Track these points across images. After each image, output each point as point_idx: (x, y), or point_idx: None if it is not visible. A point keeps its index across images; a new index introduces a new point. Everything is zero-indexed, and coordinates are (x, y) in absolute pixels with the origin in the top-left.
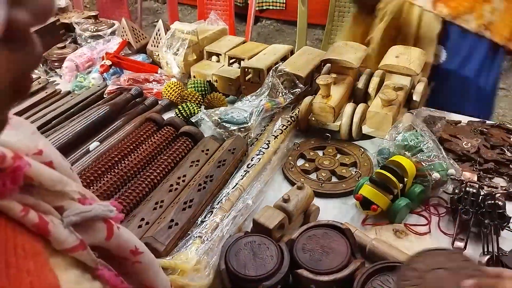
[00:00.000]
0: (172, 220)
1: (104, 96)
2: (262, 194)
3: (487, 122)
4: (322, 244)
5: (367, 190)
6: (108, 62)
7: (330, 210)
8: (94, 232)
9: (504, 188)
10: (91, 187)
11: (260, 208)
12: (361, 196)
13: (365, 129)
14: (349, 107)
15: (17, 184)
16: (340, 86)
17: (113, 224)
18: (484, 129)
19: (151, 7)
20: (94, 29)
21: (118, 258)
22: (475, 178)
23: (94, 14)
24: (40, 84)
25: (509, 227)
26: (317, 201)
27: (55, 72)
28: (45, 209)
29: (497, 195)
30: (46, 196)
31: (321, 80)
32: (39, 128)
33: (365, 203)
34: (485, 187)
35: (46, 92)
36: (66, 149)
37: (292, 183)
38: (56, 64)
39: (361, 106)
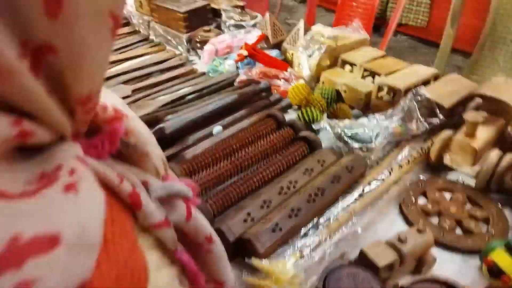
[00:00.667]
0: (276, 224)
1: (235, 84)
2: (373, 224)
3: None
4: None
5: (501, 256)
6: (245, 52)
7: (448, 265)
8: (176, 211)
9: None
10: (207, 170)
11: (367, 238)
12: (491, 262)
13: (508, 184)
14: (494, 153)
15: (115, 144)
16: (489, 127)
17: (191, 206)
18: None
19: (287, 4)
20: (239, 19)
21: (193, 245)
22: None
23: (241, 4)
24: (181, 60)
25: None
26: (434, 251)
27: (196, 52)
28: (133, 180)
29: None
30: (133, 167)
31: (469, 116)
32: (173, 101)
33: (494, 271)
34: None
35: (185, 69)
36: (193, 127)
37: (407, 221)
38: (198, 45)
39: (509, 156)
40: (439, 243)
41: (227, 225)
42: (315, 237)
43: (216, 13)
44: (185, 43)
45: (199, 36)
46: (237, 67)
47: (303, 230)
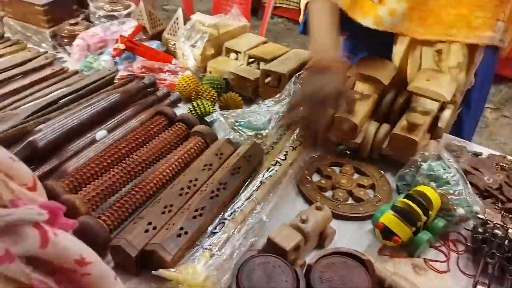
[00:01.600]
0: (181, 228)
1: (115, 81)
2: (276, 209)
3: (508, 157)
4: (341, 274)
5: (389, 219)
6: (122, 46)
7: (346, 234)
8: (22, 240)
9: None
10: (96, 180)
11: (273, 224)
12: (382, 225)
13: (386, 151)
14: (372, 125)
15: None
16: (365, 102)
17: (47, 230)
18: (505, 165)
19: None
20: (109, 9)
21: (62, 270)
22: (499, 218)
23: None
24: (47, 59)
25: None
26: (332, 222)
27: (64, 48)
28: None
29: None
30: None
31: (347, 94)
32: (43, 107)
33: (385, 233)
34: (510, 230)
35: (53, 69)
36: (71, 135)
37: (307, 200)
38: (66, 40)
39: (385, 126)
40: (335, 215)
41: (126, 240)
42: (223, 234)
43: (83, 4)
44: (49, 39)
45: (65, 31)
46: (115, 63)
47: (210, 229)
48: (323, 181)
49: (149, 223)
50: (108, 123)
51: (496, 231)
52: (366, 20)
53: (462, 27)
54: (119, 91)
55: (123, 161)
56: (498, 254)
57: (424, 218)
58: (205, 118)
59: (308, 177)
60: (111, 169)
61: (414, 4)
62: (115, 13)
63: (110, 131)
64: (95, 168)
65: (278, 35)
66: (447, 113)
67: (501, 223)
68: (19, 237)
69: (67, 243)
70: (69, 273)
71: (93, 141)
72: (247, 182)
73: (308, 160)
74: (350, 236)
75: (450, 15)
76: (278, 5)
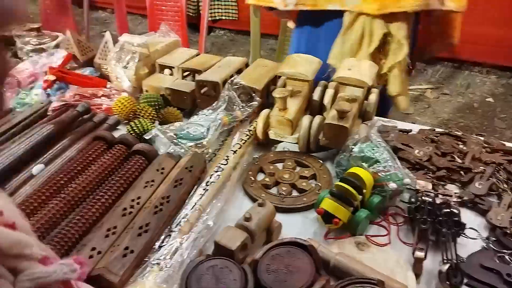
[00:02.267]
0: (127, 248)
1: (48, 113)
2: (223, 213)
3: (437, 130)
4: (286, 263)
5: (328, 204)
6: (52, 77)
7: (292, 225)
8: None
9: (457, 195)
10: (35, 215)
11: (221, 228)
12: (322, 210)
13: (322, 141)
14: (306, 119)
15: None
16: (296, 98)
17: (72, 285)
18: (434, 137)
19: (99, 17)
20: (37, 42)
21: None
22: (430, 186)
23: (36, 26)
24: None
25: (464, 233)
26: (279, 217)
27: None
28: None
29: (452, 203)
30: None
31: (277, 93)
32: None
33: (326, 217)
34: (440, 195)
35: None
36: (7, 173)
37: (253, 199)
38: None
39: (317, 118)
40: (281, 209)
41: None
42: (170, 246)
43: (9, 41)
44: None
45: None
46: (48, 95)
47: (157, 244)
48: (266, 179)
49: (93, 249)
50: (45, 156)
51: (426, 198)
52: (333, 5)
53: None
54: (53, 122)
55: (62, 192)
56: (429, 219)
57: (359, 197)
58: (144, 136)
59: (252, 177)
60: (50, 202)
61: None
62: (43, 46)
63: (47, 164)
64: (34, 204)
65: (223, 47)
66: (373, 97)
67: (430, 190)
68: None
69: None
70: None
71: (31, 177)
72: (192, 192)
73: (251, 161)
74: (298, 227)
75: None
76: (218, 18)
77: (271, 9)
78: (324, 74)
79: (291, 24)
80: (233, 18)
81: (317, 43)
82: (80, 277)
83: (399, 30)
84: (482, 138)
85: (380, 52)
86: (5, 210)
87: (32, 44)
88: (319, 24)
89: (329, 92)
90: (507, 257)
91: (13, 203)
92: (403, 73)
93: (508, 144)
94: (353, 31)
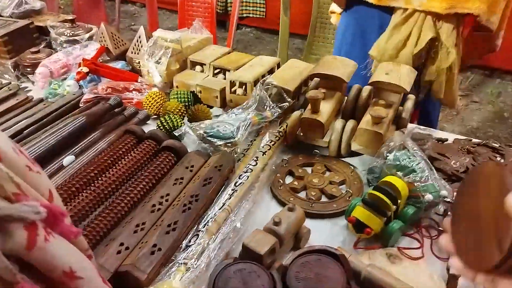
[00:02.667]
0: (155, 245)
1: (80, 105)
2: (250, 215)
3: (473, 140)
4: (316, 271)
5: (360, 212)
6: (85, 69)
7: (321, 232)
8: (8, 237)
9: None
10: (64, 207)
11: (248, 230)
12: (354, 219)
13: (355, 146)
14: (338, 123)
15: None
16: (329, 101)
17: (37, 234)
18: (471, 148)
19: (128, 10)
20: (71, 34)
21: (52, 281)
22: None
23: (71, 18)
24: (10, 90)
25: None
26: (307, 222)
27: (27, 78)
28: None
29: None
30: None
31: (311, 95)
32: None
33: (358, 226)
34: None
35: (17, 99)
36: (38, 163)
37: (280, 202)
38: (28, 69)
39: (350, 123)
40: (310, 215)
41: (98, 264)
42: (197, 246)
43: (43, 31)
44: (12, 70)
45: (27, 60)
46: (80, 86)
47: (184, 243)
48: (295, 182)
49: (121, 244)
50: (76, 147)
51: None
52: (397, 2)
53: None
54: (85, 114)
55: (92, 184)
56: None
57: (393, 207)
58: (174, 132)
59: (280, 180)
60: (80, 194)
61: None
62: (76, 38)
63: (78, 155)
64: (64, 195)
65: (248, 44)
66: (409, 104)
67: None
68: (5, 233)
69: (58, 252)
70: (57, 285)
71: (61, 168)
72: (220, 192)
73: (279, 163)
74: (326, 234)
75: None
76: (245, 15)
77: None
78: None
79: (334, 20)
80: (261, 16)
81: (365, 36)
82: (66, 234)
83: (449, 37)
84: None
85: (421, 56)
86: None
87: (66, 35)
88: (368, 18)
89: (363, 96)
90: None
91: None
92: (449, 80)
93: None
94: (403, 29)
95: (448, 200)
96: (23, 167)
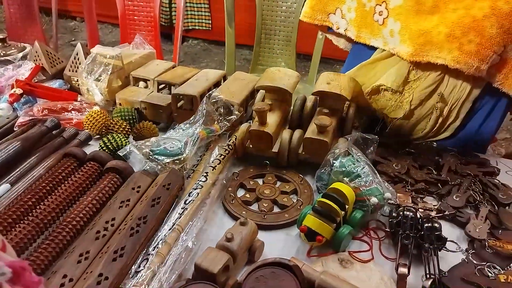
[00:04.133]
0: (101, 274)
1: (15, 129)
2: (202, 233)
3: (413, 142)
4: (271, 285)
5: (311, 221)
6: (19, 91)
7: (275, 243)
8: None
9: (437, 207)
10: None
11: (202, 248)
12: (305, 228)
13: (303, 155)
14: (285, 133)
15: None
16: (276, 112)
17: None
18: (411, 149)
19: (67, 25)
20: (2, 53)
21: None
22: (410, 200)
23: (1, 37)
24: None
25: (446, 247)
26: (260, 234)
27: None
28: None
29: (433, 217)
30: None
31: (257, 107)
32: None
33: (310, 234)
34: (420, 209)
35: None
36: None
37: (233, 217)
38: None
39: (297, 132)
40: (263, 227)
41: None
42: (147, 270)
43: None
44: None
45: None
46: (15, 109)
47: (133, 268)
48: (247, 195)
49: (64, 276)
50: (11, 175)
51: (407, 212)
52: (376, 41)
53: (453, 49)
54: (20, 139)
55: (30, 214)
56: (411, 235)
57: (342, 213)
58: (118, 152)
59: (232, 194)
60: (17, 225)
61: (407, 24)
62: (9, 57)
63: (13, 183)
64: None
65: (196, 57)
66: (351, 111)
67: (411, 205)
68: None
69: None
70: None
71: None
72: (170, 211)
73: (230, 176)
74: (280, 244)
75: (441, 35)
76: (191, 27)
77: (329, 29)
78: None
79: (342, 45)
80: (206, 28)
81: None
82: (29, 286)
83: (413, 94)
84: (456, 150)
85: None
86: None
87: None
88: (367, 50)
89: (308, 105)
90: (486, 269)
91: None
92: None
93: (482, 156)
94: (378, 67)
95: (392, 201)
96: None
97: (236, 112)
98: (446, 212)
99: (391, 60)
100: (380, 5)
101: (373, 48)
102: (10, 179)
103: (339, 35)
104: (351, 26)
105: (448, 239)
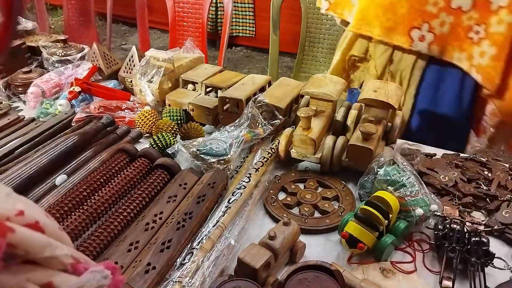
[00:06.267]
0: (149, 264)
1: (72, 124)
2: (244, 232)
3: (461, 155)
4: None
5: (353, 228)
6: (77, 89)
7: (315, 247)
8: None
9: (484, 223)
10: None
11: (243, 246)
12: (347, 234)
13: (346, 162)
14: (329, 139)
15: None
16: (320, 118)
17: None
18: (459, 162)
19: (119, 30)
20: (63, 53)
21: None
22: (457, 213)
23: (63, 38)
24: (1, 109)
25: (493, 263)
26: (301, 238)
27: (19, 97)
28: None
29: (481, 232)
30: (31, 271)
31: (302, 112)
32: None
33: (351, 241)
34: (468, 223)
35: (8, 119)
36: (30, 183)
37: (274, 219)
38: (20, 89)
39: (341, 139)
40: (303, 230)
41: None
42: (192, 264)
43: (35, 51)
44: (3, 90)
45: (19, 80)
46: (72, 106)
47: (179, 260)
48: (288, 199)
49: (115, 263)
50: (68, 166)
51: (454, 225)
52: (461, 55)
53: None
54: (77, 133)
55: (85, 203)
56: (458, 248)
57: (385, 221)
58: (166, 150)
59: (273, 196)
60: (73, 213)
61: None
62: (68, 57)
63: (70, 174)
64: (56, 214)
65: (238, 63)
66: (397, 120)
67: (459, 218)
68: None
69: None
70: None
71: (53, 187)
72: (214, 209)
73: (272, 179)
74: (320, 249)
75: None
76: (235, 34)
77: None
78: None
79: None
80: (250, 35)
81: None
82: (116, 284)
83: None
84: (507, 165)
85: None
86: (26, 210)
87: (58, 55)
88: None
89: (353, 113)
90: None
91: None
92: None
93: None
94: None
95: (438, 213)
96: (58, 231)
97: (280, 117)
98: (495, 227)
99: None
100: (479, 25)
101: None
102: (67, 170)
103: None
104: (441, 41)
105: (496, 256)
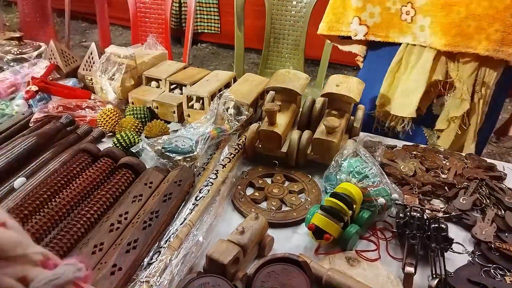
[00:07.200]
0: (114, 265)
1: (30, 125)
2: (212, 228)
3: (420, 145)
4: (282, 281)
5: (319, 219)
6: (34, 88)
7: (283, 240)
8: None
9: (443, 210)
10: None
11: (211, 243)
12: (313, 226)
13: (311, 156)
14: (295, 134)
15: None
16: (285, 113)
17: (81, 286)
18: (418, 153)
19: (78, 26)
20: (18, 52)
21: None
22: (417, 201)
23: (18, 35)
24: None
25: (452, 248)
26: (269, 232)
27: None
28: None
29: (440, 218)
30: (5, 267)
31: (267, 107)
32: None
33: (317, 232)
34: (427, 211)
35: None
36: None
37: (242, 214)
38: None
39: (306, 133)
40: (271, 224)
41: None
42: (159, 263)
43: None
44: None
45: None
46: (30, 106)
47: (146, 260)
48: (256, 193)
49: None
50: (27, 169)
51: (414, 213)
52: (405, 38)
53: (482, 40)
54: (35, 134)
55: (45, 206)
56: (418, 235)
57: (349, 212)
58: (131, 149)
59: (241, 192)
60: (33, 217)
61: (437, 18)
62: (24, 56)
63: (29, 177)
64: (16, 219)
65: (204, 60)
66: (360, 113)
67: (419, 206)
68: None
69: None
70: None
71: (12, 190)
72: (181, 207)
73: (240, 175)
74: (288, 242)
75: (471, 27)
76: (200, 31)
77: (343, 38)
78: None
79: (359, 59)
80: (216, 32)
81: (376, 73)
82: (87, 280)
83: (464, 84)
84: (463, 154)
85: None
86: None
87: (13, 54)
88: (382, 55)
89: (317, 107)
90: (492, 271)
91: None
92: (458, 129)
93: (489, 161)
94: (402, 68)
95: (399, 202)
96: (23, 231)
97: (246, 113)
98: (453, 213)
99: (412, 59)
100: (406, 5)
101: (392, 51)
102: (26, 173)
103: (352, 42)
104: (377, 30)
105: (454, 241)
